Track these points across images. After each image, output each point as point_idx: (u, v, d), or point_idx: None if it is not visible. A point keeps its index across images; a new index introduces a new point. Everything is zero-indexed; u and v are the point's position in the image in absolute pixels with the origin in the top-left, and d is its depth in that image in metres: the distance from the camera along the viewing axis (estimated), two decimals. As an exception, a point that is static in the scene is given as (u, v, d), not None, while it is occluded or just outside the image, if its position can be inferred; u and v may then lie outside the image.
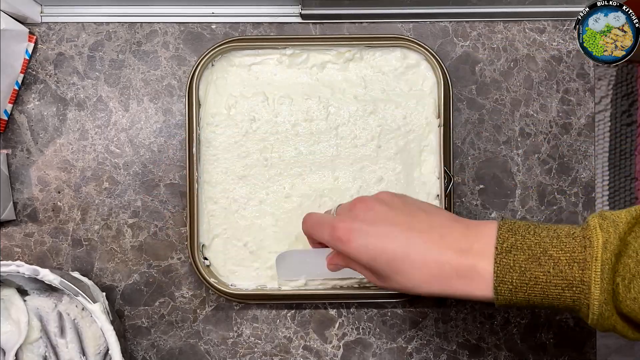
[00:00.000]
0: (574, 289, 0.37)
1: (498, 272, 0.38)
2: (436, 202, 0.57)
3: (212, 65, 0.57)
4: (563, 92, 0.59)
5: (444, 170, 0.56)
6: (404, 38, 0.57)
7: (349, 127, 0.57)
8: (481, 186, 0.59)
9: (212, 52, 0.56)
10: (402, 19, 0.59)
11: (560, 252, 0.38)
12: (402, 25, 0.59)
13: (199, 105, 0.57)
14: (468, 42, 0.59)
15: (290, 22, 0.59)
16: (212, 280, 0.56)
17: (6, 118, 0.58)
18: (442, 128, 0.56)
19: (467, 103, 0.59)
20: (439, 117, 0.56)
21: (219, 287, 0.56)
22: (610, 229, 0.37)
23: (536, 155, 0.59)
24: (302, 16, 0.58)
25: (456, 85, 0.59)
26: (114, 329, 0.52)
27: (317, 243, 0.50)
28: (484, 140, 0.59)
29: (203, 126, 0.57)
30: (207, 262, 0.57)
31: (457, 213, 0.59)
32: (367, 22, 0.59)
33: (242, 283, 0.57)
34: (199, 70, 0.56)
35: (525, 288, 0.38)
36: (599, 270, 0.37)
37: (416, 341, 0.59)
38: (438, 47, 0.59)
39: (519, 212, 0.59)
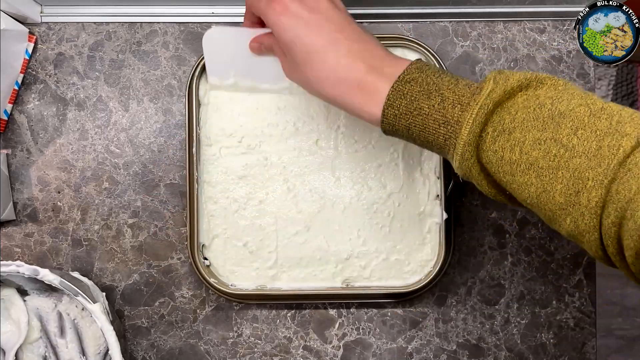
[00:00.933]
0: (449, 127, 0.40)
1: (391, 95, 0.41)
2: (436, 202, 0.57)
3: None
4: (563, 92, 0.59)
5: (444, 170, 0.56)
6: (404, 38, 0.57)
7: (349, 126, 0.57)
8: (481, 186, 0.59)
9: None
10: (402, 19, 0.59)
11: (451, 93, 0.40)
12: (402, 25, 0.59)
13: (199, 105, 0.57)
14: (468, 42, 0.59)
15: (290, 22, 0.59)
16: (212, 280, 0.56)
17: (6, 118, 0.58)
18: None
19: (467, 103, 0.59)
20: None
21: (219, 287, 0.56)
22: (501, 81, 0.39)
23: (536, 155, 0.59)
24: (302, 16, 0.58)
25: (456, 85, 0.59)
26: (114, 329, 0.52)
27: (253, 22, 0.51)
28: (484, 140, 0.59)
29: (203, 126, 0.57)
30: (207, 262, 0.57)
31: (457, 213, 0.59)
32: (367, 22, 0.59)
33: (242, 283, 0.57)
34: (199, 70, 0.56)
35: (408, 116, 0.41)
36: (475, 113, 0.39)
37: (416, 341, 0.59)
38: (438, 47, 0.59)
39: (519, 212, 0.59)
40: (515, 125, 0.38)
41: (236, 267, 0.57)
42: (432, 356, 0.59)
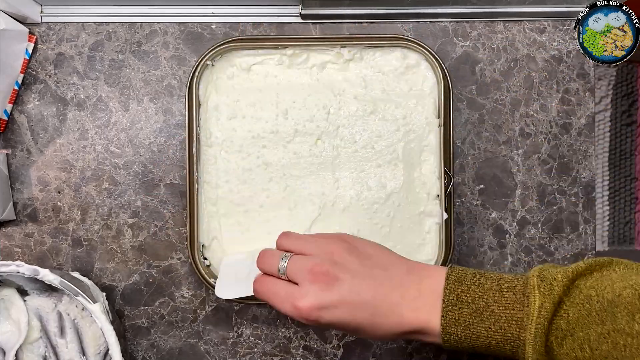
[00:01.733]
0: (512, 344, 0.41)
1: (444, 325, 0.42)
2: (436, 202, 0.57)
3: (212, 65, 0.57)
4: (563, 92, 0.59)
5: (444, 170, 0.56)
6: (404, 38, 0.57)
7: (349, 127, 0.57)
8: (481, 186, 0.59)
9: (212, 52, 0.56)
10: (402, 19, 0.59)
11: (501, 307, 0.41)
12: (402, 25, 0.59)
13: (199, 105, 0.57)
14: (468, 42, 0.59)
15: (290, 22, 0.59)
16: (212, 280, 0.56)
17: (6, 118, 0.58)
18: (442, 128, 0.56)
19: (467, 103, 0.59)
20: (438, 117, 0.56)
21: None
22: (546, 292, 0.40)
23: (536, 155, 0.59)
24: (302, 16, 0.58)
25: (456, 85, 0.59)
26: (114, 329, 0.52)
27: None
28: (484, 140, 0.59)
29: (203, 126, 0.57)
30: (207, 262, 0.57)
31: (457, 213, 0.59)
32: (367, 22, 0.59)
33: None
34: (199, 70, 0.56)
35: (469, 340, 0.42)
36: (533, 332, 0.40)
37: (416, 341, 0.59)
38: (438, 47, 0.59)
39: (519, 212, 0.59)
40: (574, 327, 0.39)
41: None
42: (432, 356, 0.59)
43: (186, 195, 0.56)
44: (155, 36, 0.59)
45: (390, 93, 0.57)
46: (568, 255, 0.59)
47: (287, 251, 0.47)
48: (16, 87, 0.58)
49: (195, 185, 0.56)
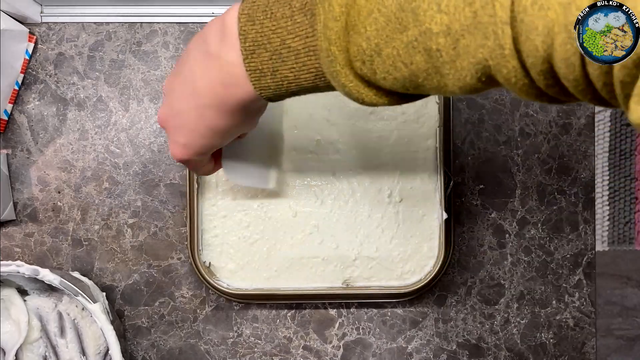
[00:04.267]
0: (322, 78, 0.34)
1: (254, 82, 0.35)
2: (436, 202, 0.56)
3: None
4: (563, 92, 0.59)
5: (444, 170, 0.56)
6: None
7: (348, 126, 0.57)
8: (481, 186, 0.59)
9: None
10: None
11: (295, 39, 0.33)
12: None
13: None
14: (468, 42, 0.59)
15: (290, 22, 0.59)
16: (212, 280, 0.56)
17: (6, 118, 0.58)
18: (441, 128, 0.56)
19: (467, 103, 0.59)
20: (438, 117, 0.56)
21: (219, 287, 0.56)
22: (326, 4, 0.32)
23: (536, 155, 0.59)
24: (302, 16, 0.58)
25: (456, 85, 0.59)
26: (114, 329, 0.52)
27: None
28: (484, 140, 0.59)
29: None
30: (207, 262, 0.57)
31: (457, 213, 0.59)
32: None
33: (241, 283, 0.57)
34: None
35: (283, 88, 0.35)
36: (326, 63, 0.33)
37: (416, 341, 0.59)
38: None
39: (519, 212, 0.59)
40: (377, 42, 0.31)
41: (236, 267, 0.57)
42: (432, 356, 0.59)
43: (186, 195, 0.56)
44: (155, 36, 0.59)
45: None
46: (568, 255, 0.59)
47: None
48: (16, 87, 0.58)
49: (195, 185, 0.56)
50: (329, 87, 0.35)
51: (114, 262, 0.59)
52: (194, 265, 0.56)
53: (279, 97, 0.36)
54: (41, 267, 0.52)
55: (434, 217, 0.57)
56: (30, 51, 0.58)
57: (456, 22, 0.28)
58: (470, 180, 0.59)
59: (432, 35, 0.29)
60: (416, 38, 0.29)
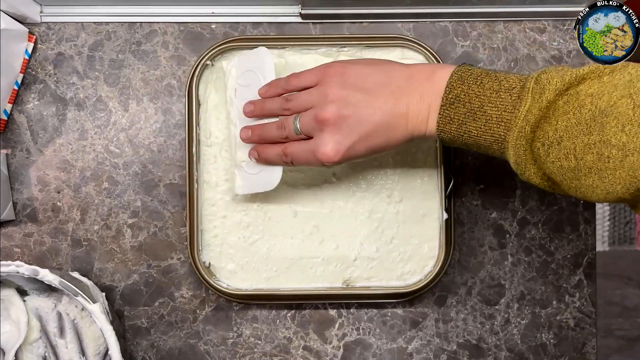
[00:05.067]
0: (499, 144, 0.42)
1: (440, 123, 0.44)
2: (436, 202, 0.56)
3: (212, 65, 0.57)
4: (563, 92, 0.59)
5: (444, 170, 0.56)
6: (403, 38, 0.57)
7: None
8: (481, 186, 0.59)
9: (212, 52, 0.56)
10: (403, 19, 0.59)
11: (494, 108, 0.42)
12: (402, 25, 0.59)
13: (198, 105, 0.56)
14: (468, 41, 0.59)
15: (290, 22, 0.59)
16: (211, 280, 0.56)
17: (6, 118, 0.58)
18: None
19: (467, 103, 0.59)
20: None
21: (219, 287, 0.56)
22: (537, 96, 0.40)
23: (536, 155, 0.59)
24: (302, 16, 0.58)
25: (456, 85, 0.59)
26: (114, 329, 0.52)
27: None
28: (484, 140, 0.59)
29: (202, 126, 0.57)
30: (206, 263, 0.57)
31: (457, 213, 0.59)
32: (367, 21, 0.59)
33: (241, 283, 0.57)
34: (199, 69, 0.56)
35: (461, 138, 0.44)
36: (515, 134, 0.41)
37: (416, 341, 0.59)
38: (438, 46, 0.59)
39: (520, 212, 0.59)
40: (561, 135, 0.39)
41: (236, 267, 0.57)
42: (432, 356, 0.59)
43: (186, 195, 0.56)
44: (155, 36, 0.59)
45: None
46: (568, 256, 0.59)
47: (281, 114, 0.49)
48: (16, 87, 0.58)
49: (195, 185, 0.56)
50: (496, 151, 0.43)
51: (114, 262, 0.59)
52: (194, 266, 0.56)
53: (451, 141, 0.45)
54: (41, 267, 0.52)
55: (435, 217, 0.57)
56: (30, 51, 0.58)
57: (631, 143, 0.36)
58: (470, 180, 0.59)
59: (608, 146, 0.37)
60: (595, 143, 0.37)
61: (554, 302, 0.59)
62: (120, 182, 0.59)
